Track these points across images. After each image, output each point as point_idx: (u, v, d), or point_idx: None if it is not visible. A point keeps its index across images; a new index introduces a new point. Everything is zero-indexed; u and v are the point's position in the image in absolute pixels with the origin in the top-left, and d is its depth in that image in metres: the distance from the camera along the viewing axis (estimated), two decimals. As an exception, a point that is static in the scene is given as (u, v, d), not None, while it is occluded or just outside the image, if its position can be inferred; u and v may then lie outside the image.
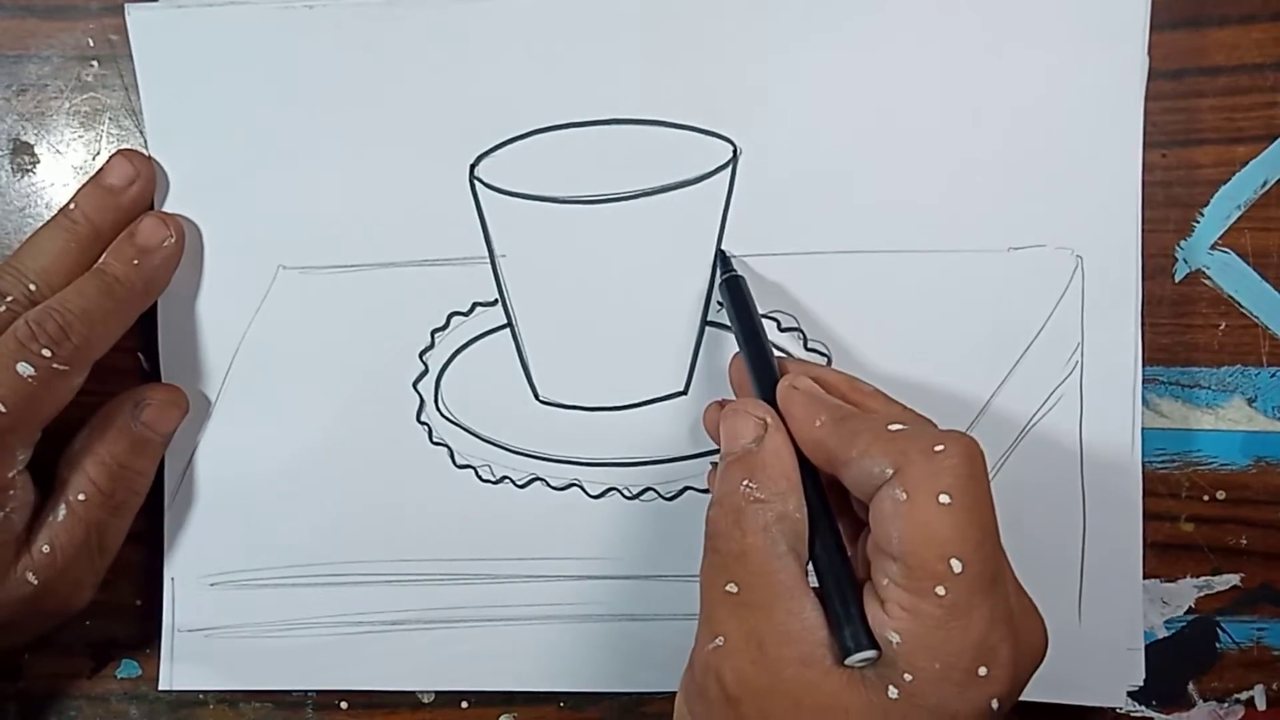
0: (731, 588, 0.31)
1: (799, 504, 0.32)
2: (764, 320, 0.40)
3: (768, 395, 0.35)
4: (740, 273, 0.39)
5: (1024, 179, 0.39)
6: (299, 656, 0.42)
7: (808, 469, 0.33)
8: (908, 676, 0.29)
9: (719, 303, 0.39)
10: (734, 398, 0.40)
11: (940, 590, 0.29)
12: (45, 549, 0.38)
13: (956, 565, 0.29)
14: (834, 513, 0.33)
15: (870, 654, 0.30)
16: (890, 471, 0.30)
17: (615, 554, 0.41)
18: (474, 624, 0.41)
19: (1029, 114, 0.39)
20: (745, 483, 0.32)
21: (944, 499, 0.29)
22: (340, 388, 0.41)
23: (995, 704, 0.29)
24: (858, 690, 0.30)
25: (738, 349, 0.37)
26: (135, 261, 0.39)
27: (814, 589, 0.32)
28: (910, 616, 0.29)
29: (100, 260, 0.39)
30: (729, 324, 0.38)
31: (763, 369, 0.36)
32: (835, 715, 0.30)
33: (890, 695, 0.29)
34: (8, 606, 0.38)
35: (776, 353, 0.37)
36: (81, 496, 0.39)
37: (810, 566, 0.32)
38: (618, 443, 0.41)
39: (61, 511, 0.38)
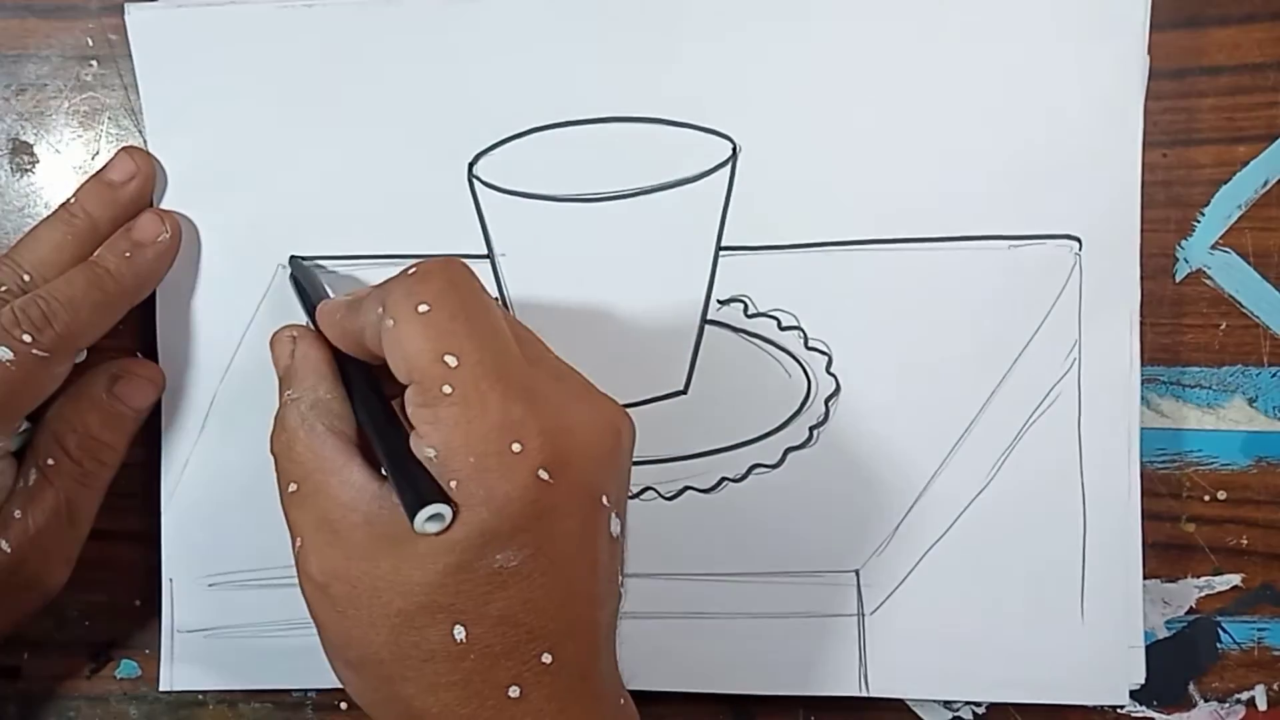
0: (292, 487, 0.33)
1: (330, 388, 0.34)
2: (764, 319, 0.40)
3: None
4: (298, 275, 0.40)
5: (1024, 177, 0.39)
6: (299, 656, 0.41)
7: (353, 366, 0.34)
8: (453, 483, 0.30)
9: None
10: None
11: (447, 389, 0.30)
12: (16, 514, 0.38)
13: (452, 360, 0.30)
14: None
15: (440, 508, 0.29)
16: (381, 310, 0.32)
17: (615, 554, 0.41)
18: (473, 624, 0.41)
19: (1029, 112, 0.39)
20: (288, 393, 0.34)
21: (423, 309, 0.31)
22: (340, 387, 0.41)
23: (544, 474, 0.30)
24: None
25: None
26: (127, 254, 0.39)
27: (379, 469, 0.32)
28: (434, 426, 0.30)
29: (95, 253, 0.39)
30: (721, 322, 0.38)
31: (310, 307, 0.37)
32: (409, 561, 0.30)
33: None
34: None
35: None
36: (50, 461, 0.38)
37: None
38: (617, 442, 0.41)
39: (33, 476, 0.38)
